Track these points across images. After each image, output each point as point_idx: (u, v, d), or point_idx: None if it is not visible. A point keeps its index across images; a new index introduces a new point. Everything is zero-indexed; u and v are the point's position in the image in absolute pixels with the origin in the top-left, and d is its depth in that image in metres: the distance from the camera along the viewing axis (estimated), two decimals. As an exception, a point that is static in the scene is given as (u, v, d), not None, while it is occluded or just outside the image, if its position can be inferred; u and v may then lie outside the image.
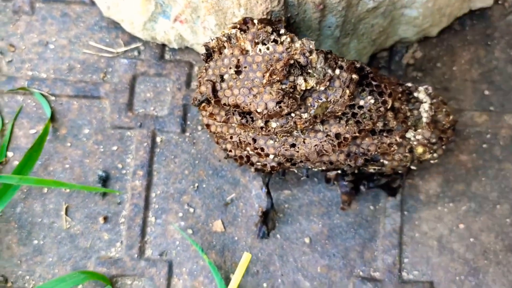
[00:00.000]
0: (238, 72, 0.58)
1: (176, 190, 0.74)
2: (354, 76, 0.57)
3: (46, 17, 0.80)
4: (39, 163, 0.75)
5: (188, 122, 0.77)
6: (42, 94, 0.77)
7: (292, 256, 0.72)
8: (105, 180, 0.74)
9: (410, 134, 0.64)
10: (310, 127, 0.59)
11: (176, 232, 0.73)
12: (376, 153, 0.63)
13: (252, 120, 0.59)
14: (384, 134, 0.62)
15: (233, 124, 0.62)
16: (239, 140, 0.63)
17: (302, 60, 0.55)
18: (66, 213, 0.73)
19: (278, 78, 0.55)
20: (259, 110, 0.56)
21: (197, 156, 0.75)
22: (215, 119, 0.62)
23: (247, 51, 0.58)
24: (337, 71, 0.57)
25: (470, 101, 0.77)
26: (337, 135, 0.60)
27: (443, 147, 0.66)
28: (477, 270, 0.71)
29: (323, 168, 0.66)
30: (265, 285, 0.71)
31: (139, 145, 0.76)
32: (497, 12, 0.80)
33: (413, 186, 0.74)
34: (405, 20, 0.73)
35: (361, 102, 0.59)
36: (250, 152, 0.66)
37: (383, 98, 0.59)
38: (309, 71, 0.56)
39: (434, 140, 0.64)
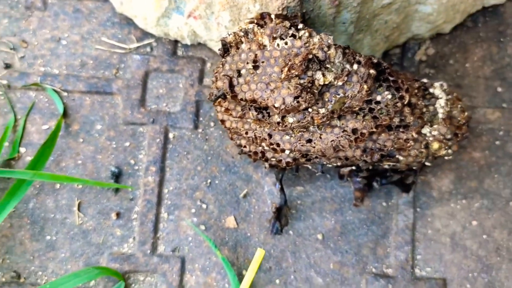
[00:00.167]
0: (255, 67, 0.58)
1: (188, 186, 0.74)
2: (371, 71, 0.57)
3: (58, 13, 0.80)
4: (52, 159, 0.74)
5: (201, 119, 0.76)
6: (55, 90, 0.77)
7: (305, 252, 0.72)
8: (117, 176, 0.74)
9: (426, 130, 0.64)
10: (327, 122, 0.59)
11: (189, 228, 0.72)
12: (392, 148, 0.63)
13: (269, 115, 0.59)
14: (401, 129, 0.62)
15: (248, 120, 0.62)
16: (255, 135, 0.63)
17: (320, 54, 0.55)
18: (79, 209, 0.73)
19: (296, 73, 0.55)
20: (276, 105, 0.56)
21: (210, 152, 0.75)
22: (230, 114, 0.62)
23: (265, 46, 0.58)
24: (355, 66, 0.57)
25: (483, 98, 0.77)
26: (354, 131, 0.59)
27: (458, 143, 0.66)
28: (490, 267, 0.71)
29: (338, 164, 0.66)
30: (277, 281, 0.71)
31: (151, 141, 0.75)
32: (510, 9, 0.80)
33: (425, 183, 0.74)
34: (418, 16, 0.73)
35: (378, 98, 0.59)
36: (265, 148, 0.66)
37: (400, 94, 0.59)
38: (327, 66, 0.56)
39: (449, 136, 0.65)
